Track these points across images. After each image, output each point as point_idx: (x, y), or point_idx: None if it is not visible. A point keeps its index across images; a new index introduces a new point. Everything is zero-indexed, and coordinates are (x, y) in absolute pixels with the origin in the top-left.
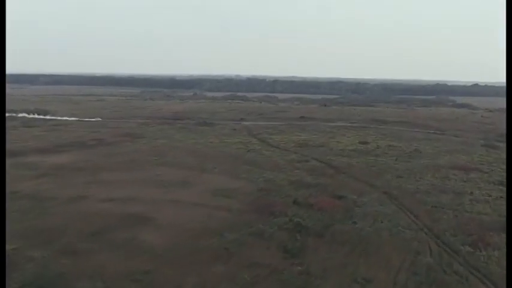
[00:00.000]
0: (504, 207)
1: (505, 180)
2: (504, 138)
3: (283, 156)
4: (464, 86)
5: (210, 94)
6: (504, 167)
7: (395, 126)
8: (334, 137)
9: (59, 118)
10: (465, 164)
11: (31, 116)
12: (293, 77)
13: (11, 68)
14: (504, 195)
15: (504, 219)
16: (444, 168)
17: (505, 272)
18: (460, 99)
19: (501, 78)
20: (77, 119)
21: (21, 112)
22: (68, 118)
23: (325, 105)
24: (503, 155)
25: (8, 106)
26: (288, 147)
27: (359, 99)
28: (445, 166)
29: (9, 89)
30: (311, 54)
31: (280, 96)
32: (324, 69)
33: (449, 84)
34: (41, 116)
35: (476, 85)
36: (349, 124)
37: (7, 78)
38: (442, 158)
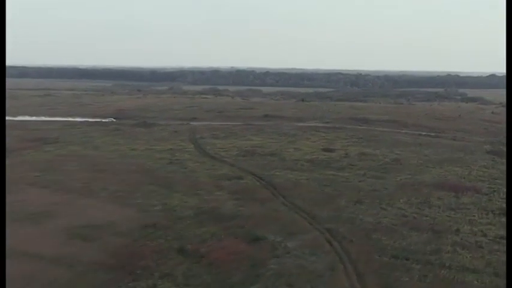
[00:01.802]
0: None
1: None
2: None
3: (213, 171)
4: (479, 77)
5: (187, 88)
6: None
7: (378, 126)
8: (294, 142)
9: None
10: (458, 181)
11: None
12: (293, 68)
13: None
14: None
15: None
16: (427, 188)
17: None
18: (472, 92)
19: None
20: None
21: None
22: None
23: (302, 100)
24: None
25: None
26: (228, 156)
27: (354, 92)
28: (430, 184)
29: None
30: (314, 45)
31: (267, 89)
32: (327, 60)
33: (461, 75)
34: None
35: (493, 76)
36: (321, 124)
37: None
38: (427, 172)
